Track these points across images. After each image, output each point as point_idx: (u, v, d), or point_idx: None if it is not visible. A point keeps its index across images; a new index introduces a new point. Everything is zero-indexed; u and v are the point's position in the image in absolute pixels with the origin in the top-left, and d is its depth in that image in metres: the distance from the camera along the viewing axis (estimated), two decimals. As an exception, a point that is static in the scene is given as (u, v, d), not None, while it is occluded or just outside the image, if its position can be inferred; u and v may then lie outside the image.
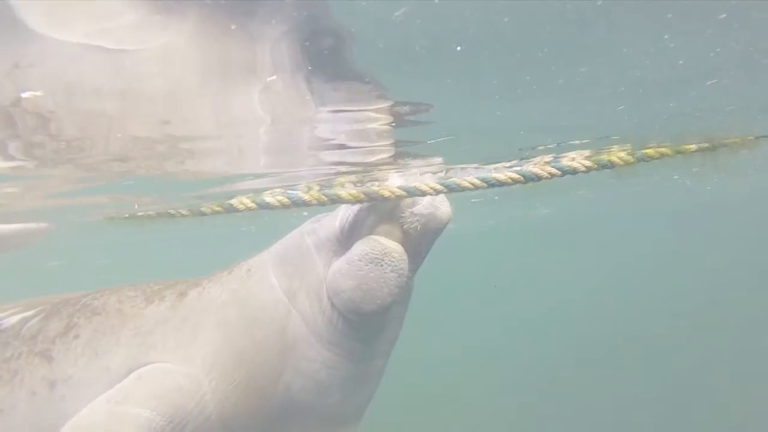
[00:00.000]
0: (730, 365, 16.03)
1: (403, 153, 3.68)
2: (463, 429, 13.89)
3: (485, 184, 2.15)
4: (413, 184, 2.17)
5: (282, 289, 2.59)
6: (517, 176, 2.22)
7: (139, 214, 2.91)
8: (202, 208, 2.82)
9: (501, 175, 2.17)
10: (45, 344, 2.66)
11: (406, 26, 1.95)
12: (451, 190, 2.16)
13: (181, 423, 2.37)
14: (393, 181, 2.49)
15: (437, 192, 2.15)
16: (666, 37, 2.29)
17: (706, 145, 2.83)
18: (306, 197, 2.54)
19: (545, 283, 28.05)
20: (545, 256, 27.29)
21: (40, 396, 2.56)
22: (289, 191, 2.44)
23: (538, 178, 2.28)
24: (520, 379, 16.98)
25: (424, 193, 2.15)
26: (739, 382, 14.50)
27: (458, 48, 2.15)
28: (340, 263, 2.42)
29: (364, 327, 2.53)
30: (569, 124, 3.67)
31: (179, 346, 2.54)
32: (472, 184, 2.15)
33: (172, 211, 2.77)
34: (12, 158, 3.16)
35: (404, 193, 2.15)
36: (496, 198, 9.47)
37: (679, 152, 2.80)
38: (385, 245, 2.32)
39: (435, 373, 17.52)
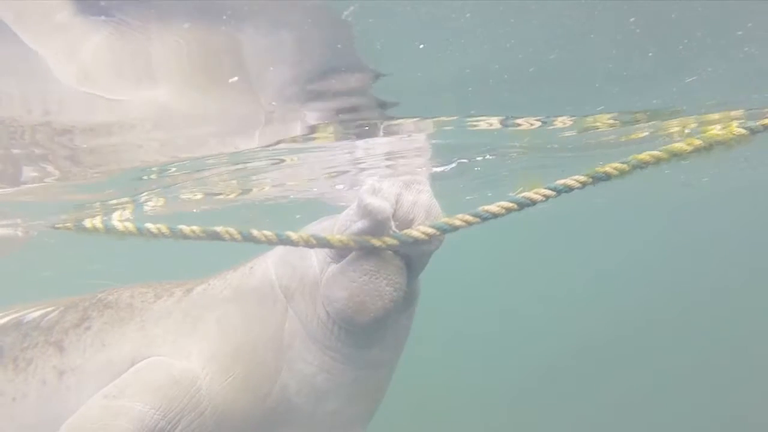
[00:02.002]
0: (731, 361, 16.03)
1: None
2: (463, 427, 13.87)
3: (478, 219, 2.06)
4: (404, 231, 2.09)
5: (281, 288, 2.55)
6: (511, 204, 2.12)
7: (118, 228, 2.83)
8: (184, 230, 2.75)
9: (494, 207, 2.08)
10: (59, 335, 2.69)
11: (359, 26, 1.89)
12: (443, 231, 2.07)
13: (176, 417, 2.33)
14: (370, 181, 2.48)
15: (428, 235, 2.06)
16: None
17: (701, 143, 2.77)
18: (294, 237, 2.47)
19: (544, 279, 28.00)
20: (543, 251, 27.20)
21: (49, 385, 2.58)
22: (279, 232, 2.34)
23: (532, 202, 2.19)
24: (521, 377, 16.97)
25: (415, 239, 2.06)
26: (740, 378, 14.50)
27: (421, 46, 2.08)
28: (333, 271, 2.31)
29: (361, 335, 2.44)
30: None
31: (178, 340, 2.53)
32: (465, 221, 2.06)
33: (153, 230, 2.70)
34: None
35: (395, 241, 2.06)
36: (490, 195, 9.41)
37: (675, 155, 2.74)
38: (381, 257, 2.20)
39: (434, 372, 17.48)
